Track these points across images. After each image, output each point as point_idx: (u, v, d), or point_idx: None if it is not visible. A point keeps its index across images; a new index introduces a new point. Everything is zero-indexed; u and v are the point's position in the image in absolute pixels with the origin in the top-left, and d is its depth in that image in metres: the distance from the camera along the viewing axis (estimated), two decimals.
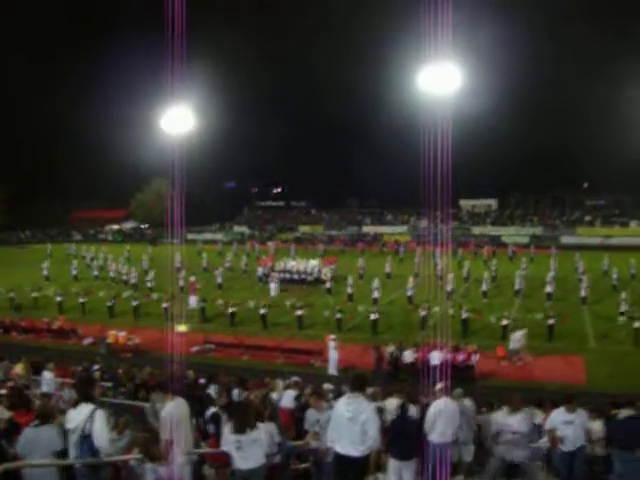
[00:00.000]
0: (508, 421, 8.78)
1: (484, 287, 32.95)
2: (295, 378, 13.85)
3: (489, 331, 25.33)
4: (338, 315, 26.73)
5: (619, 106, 56.57)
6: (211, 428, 9.51)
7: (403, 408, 8.63)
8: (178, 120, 17.12)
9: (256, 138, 72.20)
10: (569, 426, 8.81)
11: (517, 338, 22.47)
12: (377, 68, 58.16)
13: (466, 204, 74.40)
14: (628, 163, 56.43)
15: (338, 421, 7.38)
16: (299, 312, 27.27)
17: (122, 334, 25.27)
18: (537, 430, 11.23)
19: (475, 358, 20.77)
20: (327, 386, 14.25)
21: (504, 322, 24.76)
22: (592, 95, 63.69)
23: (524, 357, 22.24)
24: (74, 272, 41.44)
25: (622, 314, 26.91)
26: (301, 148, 74.71)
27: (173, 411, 7.42)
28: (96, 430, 6.47)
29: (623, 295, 28.01)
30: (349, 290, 32.27)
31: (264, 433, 7.63)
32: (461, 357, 20.65)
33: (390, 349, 21.42)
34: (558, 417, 8.96)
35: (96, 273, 41.69)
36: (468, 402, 10.08)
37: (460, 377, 19.51)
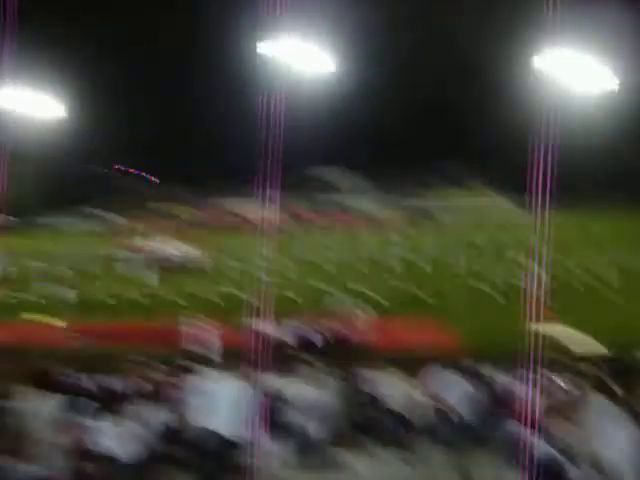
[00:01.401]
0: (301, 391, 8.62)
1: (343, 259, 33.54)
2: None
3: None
4: (212, 298, 26.46)
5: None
6: (79, 419, 9.31)
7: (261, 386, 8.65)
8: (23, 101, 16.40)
9: (114, 119, 69.75)
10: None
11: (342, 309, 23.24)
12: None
13: (323, 175, 74.11)
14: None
15: (212, 402, 7.39)
16: (173, 297, 26.85)
17: None
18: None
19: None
20: (199, 368, 14.16)
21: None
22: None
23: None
24: None
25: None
26: (160, 128, 72.67)
27: (41, 407, 7.21)
28: None
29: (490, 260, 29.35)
30: (222, 272, 31.92)
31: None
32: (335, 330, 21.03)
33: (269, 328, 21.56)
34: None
35: None
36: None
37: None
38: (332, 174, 73.92)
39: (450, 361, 11.18)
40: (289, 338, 19.39)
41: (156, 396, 9.29)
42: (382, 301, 26.35)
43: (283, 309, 25.44)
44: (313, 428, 8.33)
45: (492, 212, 53.94)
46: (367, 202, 64.38)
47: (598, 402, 4.86)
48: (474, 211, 55.41)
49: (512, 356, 10.62)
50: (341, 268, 33.09)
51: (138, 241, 41.95)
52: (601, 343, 18.03)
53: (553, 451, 6.23)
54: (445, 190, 66.18)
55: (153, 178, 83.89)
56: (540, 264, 27.36)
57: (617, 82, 44.67)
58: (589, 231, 40.77)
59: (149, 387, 10.32)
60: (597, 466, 4.55)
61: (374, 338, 21.58)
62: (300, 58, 35.49)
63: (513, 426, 7.10)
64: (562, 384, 8.57)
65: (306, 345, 20.47)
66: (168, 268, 36.24)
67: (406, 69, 62.90)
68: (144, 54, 71.06)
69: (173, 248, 38.18)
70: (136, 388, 10.56)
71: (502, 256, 33.04)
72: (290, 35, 32.33)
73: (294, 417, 8.31)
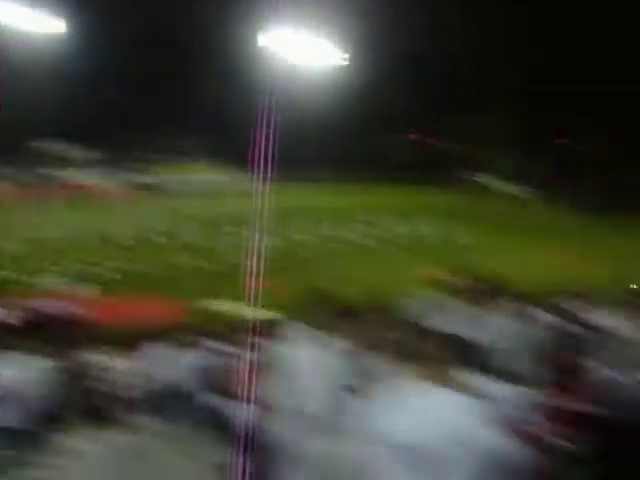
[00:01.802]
0: None
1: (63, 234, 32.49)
2: None
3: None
4: None
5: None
6: None
7: None
8: None
9: None
10: None
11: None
12: None
13: (44, 147, 70.79)
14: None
15: None
16: None
17: None
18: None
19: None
20: None
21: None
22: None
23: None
24: None
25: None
26: None
27: None
28: None
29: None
30: None
31: None
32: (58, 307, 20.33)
33: None
34: None
35: None
36: None
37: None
38: (56, 146, 70.35)
39: (174, 336, 11.32)
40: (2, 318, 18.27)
41: None
42: (106, 278, 25.95)
43: None
44: (27, 415, 7.91)
45: (217, 185, 55.03)
46: (93, 175, 62.19)
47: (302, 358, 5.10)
48: (199, 185, 56.11)
49: (235, 329, 10.88)
50: (64, 244, 31.83)
51: None
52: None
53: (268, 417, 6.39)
54: (171, 164, 66.23)
55: None
56: (263, 235, 28.30)
57: (340, 60, 47.64)
58: (308, 201, 43.43)
59: None
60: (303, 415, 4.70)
61: (97, 316, 21.06)
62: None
63: (230, 398, 7.24)
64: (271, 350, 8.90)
65: (22, 326, 19.53)
66: None
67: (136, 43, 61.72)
68: None
69: None
70: None
71: (227, 229, 33.66)
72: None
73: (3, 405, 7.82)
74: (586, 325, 10.15)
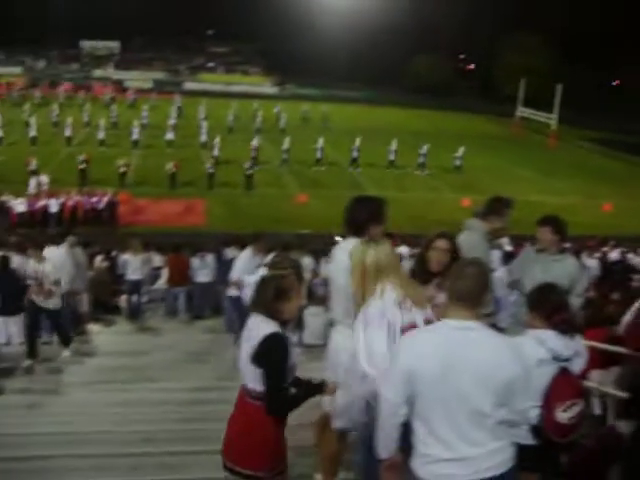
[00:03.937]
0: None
1: (101, 135, 32.58)
2: None
3: (110, 180, 25.04)
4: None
5: None
6: None
7: (3, 261, 8.18)
8: None
9: None
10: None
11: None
12: None
13: (87, 45, 69.95)
14: (249, 10, 57.88)
15: None
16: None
17: None
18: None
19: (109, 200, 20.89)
20: None
21: (122, 170, 25.90)
22: None
23: None
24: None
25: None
26: None
27: None
28: None
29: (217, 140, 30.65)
30: None
31: None
32: (95, 200, 20.76)
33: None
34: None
35: None
36: (79, 250, 9.85)
37: (99, 222, 21.33)
38: (103, 47, 69.73)
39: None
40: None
41: None
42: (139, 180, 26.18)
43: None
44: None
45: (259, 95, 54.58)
46: (142, 77, 61.73)
47: None
48: (242, 93, 55.61)
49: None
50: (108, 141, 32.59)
51: None
52: None
53: None
54: (218, 71, 65.86)
55: None
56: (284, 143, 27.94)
57: None
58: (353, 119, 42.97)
59: None
60: None
61: (131, 215, 21.48)
62: None
63: None
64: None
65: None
66: None
67: None
68: None
69: None
70: None
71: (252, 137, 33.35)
72: None
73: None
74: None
